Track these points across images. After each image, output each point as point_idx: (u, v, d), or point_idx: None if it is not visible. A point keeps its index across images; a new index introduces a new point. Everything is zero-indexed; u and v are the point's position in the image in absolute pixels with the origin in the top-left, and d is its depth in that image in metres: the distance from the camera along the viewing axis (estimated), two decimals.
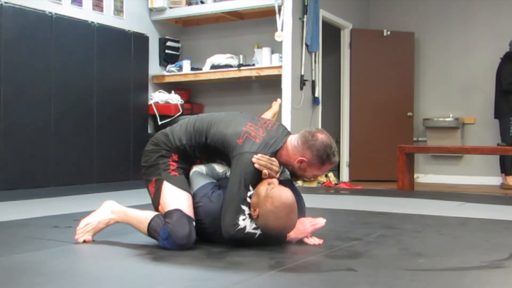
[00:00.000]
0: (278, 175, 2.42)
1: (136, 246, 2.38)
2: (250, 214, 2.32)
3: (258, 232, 2.31)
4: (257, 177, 2.32)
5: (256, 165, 2.30)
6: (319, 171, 2.50)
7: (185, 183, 2.45)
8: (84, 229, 2.46)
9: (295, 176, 2.55)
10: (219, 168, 2.53)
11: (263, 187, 2.30)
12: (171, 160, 2.48)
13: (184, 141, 2.49)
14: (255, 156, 2.31)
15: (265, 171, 2.31)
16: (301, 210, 2.48)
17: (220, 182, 2.50)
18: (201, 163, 2.56)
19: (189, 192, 2.42)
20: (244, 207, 2.29)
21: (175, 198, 2.37)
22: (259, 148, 2.35)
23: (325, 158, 2.42)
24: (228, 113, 2.61)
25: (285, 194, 2.28)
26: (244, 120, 2.49)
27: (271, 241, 2.37)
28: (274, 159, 2.37)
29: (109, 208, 2.50)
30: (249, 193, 2.31)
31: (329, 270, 2.01)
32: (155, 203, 2.45)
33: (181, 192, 2.39)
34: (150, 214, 2.39)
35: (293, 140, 2.46)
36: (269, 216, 2.26)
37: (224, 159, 2.50)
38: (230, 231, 2.28)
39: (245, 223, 2.29)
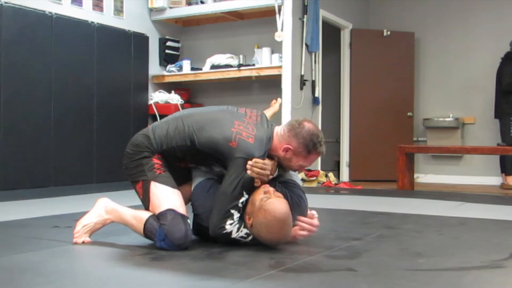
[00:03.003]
0: (273, 175, 2.40)
1: (136, 246, 2.38)
2: (240, 218, 2.30)
3: (245, 240, 2.31)
4: (252, 183, 2.29)
5: (249, 172, 2.26)
6: (305, 161, 2.44)
7: (172, 180, 2.40)
8: (81, 232, 2.45)
9: (281, 166, 2.49)
10: (216, 168, 2.53)
11: (258, 196, 2.27)
12: (154, 158, 2.42)
13: (165, 147, 2.41)
14: (249, 162, 2.26)
15: (256, 180, 2.28)
16: (302, 211, 2.46)
17: (219, 179, 2.49)
18: (185, 167, 2.51)
19: (178, 189, 2.39)
20: (233, 211, 2.27)
21: (165, 197, 2.33)
22: (254, 150, 2.30)
23: (312, 147, 2.39)
24: (211, 111, 2.53)
25: (279, 207, 2.22)
26: (230, 119, 2.41)
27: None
28: (267, 162, 2.32)
29: (104, 208, 2.46)
30: (242, 199, 2.28)
31: (329, 270, 2.00)
32: (146, 204, 2.41)
33: (170, 190, 2.36)
34: (145, 214, 2.36)
35: (279, 130, 2.44)
36: (262, 228, 2.25)
37: (213, 163, 2.46)
38: (216, 233, 2.28)
39: (232, 227, 2.27)
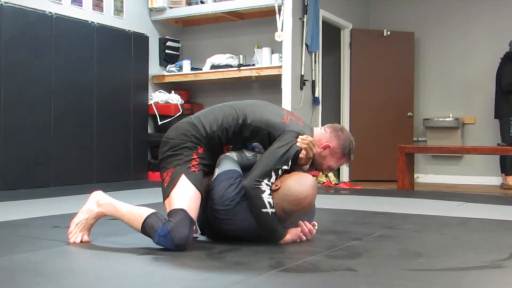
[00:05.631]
0: (308, 165, 2.51)
1: (136, 246, 2.38)
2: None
3: (269, 210, 2.32)
4: (297, 156, 2.42)
5: (299, 143, 2.40)
6: (336, 163, 2.61)
7: (201, 182, 2.40)
8: (75, 231, 2.43)
9: (311, 165, 2.59)
10: (248, 153, 2.53)
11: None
12: (195, 154, 2.42)
13: (215, 128, 2.46)
14: (300, 136, 2.43)
15: (303, 151, 2.41)
16: (312, 212, 2.57)
17: (245, 173, 2.47)
18: (227, 151, 2.54)
19: (202, 193, 2.38)
20: (273, 174, 2.36)
21: (185, 196, 2.31)
22: (304, 130, 2.50)
23: (347, 151, 2.59)
24: (257, 102, 2.68)
25: (310, 175, 2.45)
26: (279, 107, 2.66)
27: (271, 233, 2.37)
28: (316, 143, 2.48)
29: (95, 201, 2.43)
30: (285, 166, 2.38)
31: (329, 270, 2.00)
32: (165, 194, 2.38)
33: (193, 190, 2.34)
34: (146, 211, 2.33)
35: (319, 129, 2.63)
36: (294, 182, 2.36)
37: (260, 140, 2.50)
38: (251, 184, 2.33)
39: (266, 188, 2.34)
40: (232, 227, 2.39)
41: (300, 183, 2.37)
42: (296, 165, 2.45)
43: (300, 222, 2.48)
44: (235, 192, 2.36)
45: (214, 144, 2.48)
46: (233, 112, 2.50)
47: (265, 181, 2.34)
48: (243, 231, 2.39)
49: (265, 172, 2.34)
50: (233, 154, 2.52)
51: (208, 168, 2.48)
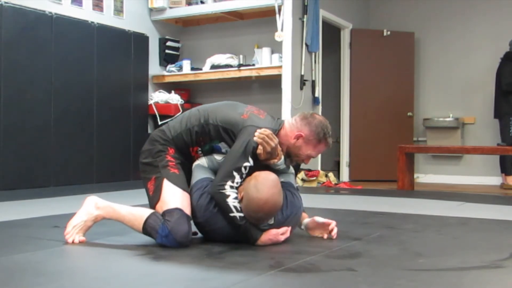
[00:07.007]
0: (278, 160, 2.42)
1: (136, 246, 2.38)
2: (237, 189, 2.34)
3: (237, 214, 2.29)
4: (255, 152, 2.37)
5: (255, 138, 2.35)
6: (313, 151, 2.53)
7: (184, 182, 2.46)
8: (72, 232, 2.43)
9: (289, 156, 2.54)
10: (218, 156, 2.53)
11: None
12: (168, 155, 2.49)
13: (179, 130, 2.52)
14: (258, 130, 2.37)
15: (260, 146, 2.35)
16: (297, 208, 2.49)
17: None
18: (197, 157, 2.55)
19: (187, 191, 2.43)
20: (235, 174, 2.32)
21: (175, 197, 2.37)
22: (265, 123, 2.46)
23: (322, 136, 2.51)
24: (223, 101, 2.69)
25: (269, 172, 2.34)
26: (243, 104, 2.61)
27: (244, 236, 2.34)
28: (275, 136, 2.41)
29: (94, 204, 2.44)
30: (246, 163, 2.34)
31: (329, 270, 2.00)
32: (154, 201, 2.43)
33: (180, 191, 2.40)
34: (146, 211, 2.37)
35: (291, 120, 2.57)
36: (251, 190, 2.27)
37: (222, 139, 2.49)
38: (214, 190, 2.33)
39: (231, 191, 2.31)
40: (215, 236, 2.41)
41: (256, 189, 2.26)
42: (259, 160, 2.39)
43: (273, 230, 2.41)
44: (206, 201, 2.36)
45: (181, 145, 2.53)
46: (196, 113, 2.54)
47: (229, 183, 2.31)
48: (226, 237, 2.39)
49: (225, 175, 2.33)
50: (203, 161, 2.52)
51: (185, 166, 2.52)
